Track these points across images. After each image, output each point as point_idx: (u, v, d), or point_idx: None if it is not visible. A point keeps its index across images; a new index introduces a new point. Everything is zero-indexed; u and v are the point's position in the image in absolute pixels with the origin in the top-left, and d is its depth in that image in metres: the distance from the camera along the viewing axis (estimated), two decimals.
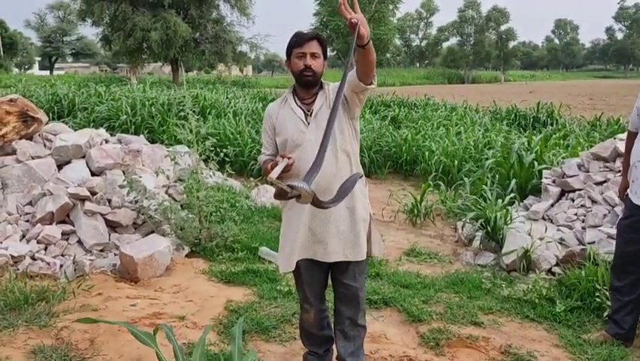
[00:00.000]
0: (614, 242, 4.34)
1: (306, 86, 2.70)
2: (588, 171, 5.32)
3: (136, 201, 5.07)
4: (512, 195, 5.44)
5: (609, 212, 4.78)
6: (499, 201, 5.19)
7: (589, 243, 4.52)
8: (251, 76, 53.12)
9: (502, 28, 65.02)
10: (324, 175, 2.54)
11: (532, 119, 10.39)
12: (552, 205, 5.26)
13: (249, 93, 17.15)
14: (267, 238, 5.34)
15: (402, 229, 5.99)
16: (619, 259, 3.36)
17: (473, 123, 9.72)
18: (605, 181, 5.10)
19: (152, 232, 4.98)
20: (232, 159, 6.96)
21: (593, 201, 4.96)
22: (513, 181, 5.71)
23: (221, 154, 5.31)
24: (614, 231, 4.46)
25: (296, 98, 2.75)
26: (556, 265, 4.50)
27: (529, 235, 4.83)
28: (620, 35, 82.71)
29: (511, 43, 66.21)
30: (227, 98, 13.21)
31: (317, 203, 2.19)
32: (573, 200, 5.16)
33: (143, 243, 4.57)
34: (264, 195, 7.04)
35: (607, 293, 3.66)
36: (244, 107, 12.17)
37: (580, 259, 4.34)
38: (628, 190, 3.26)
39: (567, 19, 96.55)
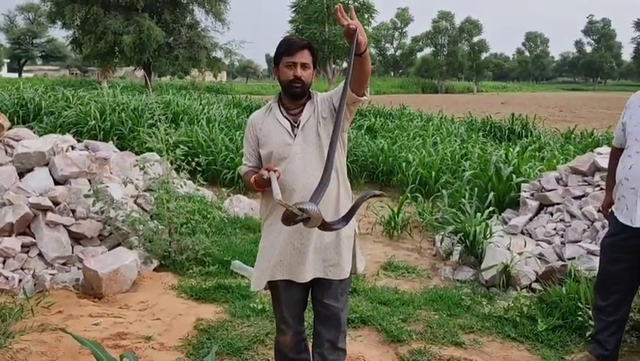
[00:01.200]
0: (594, 258, 4.31)
1: (294, 97, 2.55)
2: (567, 185, 5.28)
3: (102, 212, 4.83)
4: (491, 208, 5.36)
5: (588, 227, 4.72)
6: (478, 214, 5.09)
7: (569, 259, 4.46)
8: (225, 82, 52.76)
9: (475, 39, 65.97)
10: (311, 191, 2.40)
11: (507, 131, 10.43)
12: (531, 219, 5.19)
13: (223, 99, 16.91)
14: (240, 250, 5.15)
15: (379, 242, 5.86)
16: (603, 278, 3.27)
17: (449, 134, 9.69)
18: (583, 195, 5.05)
19: (119, 244, 4.74)
20: (204, 167, 6.74)
21: (572, 216, 4.91)
22: (491, 194, 5.63)
23: (193, 163, 5.11)
24: (594, 247, 4.42)
25: (282, 108, 2.59)
26: (536, 281, 4.42)
27: (509, 249, 4.74)
28: (589, 49, 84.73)
29: (484, 55, 67.20)
30: (200, 104, 12.94)
31: (325, 226, 2.07)
32: (552, 214, 5.10)
33: (108, 256, 4.34)
34: (237, 205, 6.85)
35: (589, 312, 3.58)
36: (218, 113, 11.94)
37: (560, 275, 4.26)
38: (613, 207, 3.17)
39: (537, 32, 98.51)
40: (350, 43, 2.16)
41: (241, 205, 6.86)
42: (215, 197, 6.68)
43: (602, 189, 5.02)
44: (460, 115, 13.21)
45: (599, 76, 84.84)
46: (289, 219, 1.97)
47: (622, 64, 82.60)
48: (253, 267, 4.49)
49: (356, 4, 37.95)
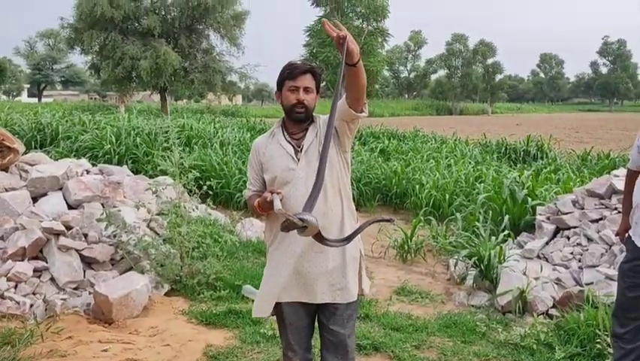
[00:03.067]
0: (612, 283, 4.20)
1: (298, 121, 2.54)
2: (583, 208, 5.18)
3: (114, 236, 4.83)
4: (506, 232, 5.27)
5: (606, 251, 4.62)
6: (493, 238, 5.01)
7: (587, 284, 4.35)
8: (240, 105, 53.26)
9: (489, 61, 65.93)
10: (317, 211, 2.37)
11: (522, 153, 10.33)
12: (547, 243, 5.09)
13: (237, 123, 17.02)
14: (252, 275, 5.11)
15: (392, 266, 5.78)
16: (621, 305, 3.17)
17: (463, 156, 9.62)
18: (601, 219, 4.95)
19: (131, 268, 4.73)
20: (217, 190, 6.77)
21: (589, 240, 4.81)
22: (506, 217, 5.55)
23: (204, 187, 5.11)
24: (612, 271, 4.31)
25: (285, 133, 2.59)
26: (553, 306, 4.32)
27: (525, 274, 4.65)
28: (604, 70, 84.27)
29: (498, 76, 67.09)
30: (214, 127, 13.03)
31: (320, 238, 2.12)
32: (568, 238, 5.00)
33: (119, 281, 4.32)
34: (250, 228, 6.83)
35: (608, 339, 3.48)
36: (232, 136, 12.00)
37: (578, 301, 4.15)
38: (630, 232, 3.09)
39: (552, 54, 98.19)
40: (341, 52, 2.15)
41: (253, 229, 6.84)
42: (227, 220, 6.67)
43: (619, 212, 4.92)
44: (474, 137, 13.13)
45: (615, 97, 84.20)
46: (288, 227, 2.05)
47: (638, 84, 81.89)
48: None
49: (370, 27, 38.45)
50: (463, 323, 4.18)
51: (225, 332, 3.94)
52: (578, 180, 7.32)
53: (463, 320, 4.25)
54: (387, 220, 2.32)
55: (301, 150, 2.50)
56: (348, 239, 2.17)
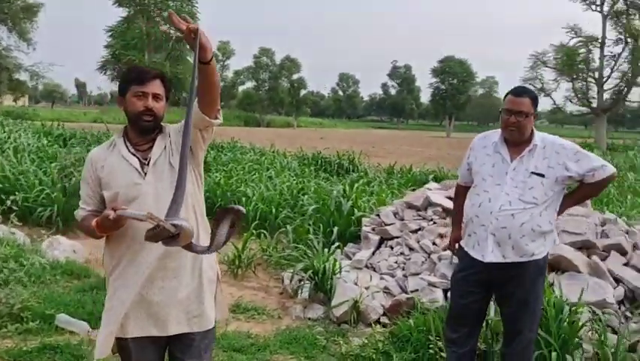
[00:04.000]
0: (435, 290, 4.54)
1: (144, 131, 2.28)
2: (403, 219, 5.56)
3: None
4: (337, 243, 5.42)
5: (426, 259, 5.00)
6: (325, 250, 5.10)
7: (412, 291, 4.64)
8: (27, 106, 47.83)
9: (294, 77, 68.88)
10: None
11: (336, 166, 10.87)
12: (373, 253, 5.35)
13: (30, 127, 15.15)
14: (65, 301, 4.49)
15: (223, 282, 5.46)
16: (454, 312, 3.41)
17: (283, 168, 9.78)
18: (419, 229, 5.36)
19: None
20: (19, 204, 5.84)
21: (411, 249, 5.16)
22: (335, 229, 5.71)
23: (8, 201, 4.36)
24: (433, 278, 4.67)
25: (128, 144, 2.30)
26: (384, 314, 4.53)
27: (356, 284, 4.81)
28: (393, 91, 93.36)
29: (302, 92, 70.39)
30: (4, 131, 11.39)
31: (191, 247, 1.93)
32: (392, 247, 5.32)
33: None
34: (57, 247, 6.03)
35: (439, 344, 3.72)
36: (26, 142, 10.60)
37: (407, 307, 4.41)
38: (462, 243, 3.33)
39: (349, 74, 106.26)
40: (192, 48, 1.97)
41: (61, 248, 6.04)
42: (29, 239, 5.81)
43: (435, 223, 5.40)
44: (290, 149, 13.45)
45: (401, 116, 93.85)
46: (157, 236, 1.81)
47: (421, 105, 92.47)
48: (82, 320, 3.94)
49: (178, 34, 37.39)
50: (303, 338, 4.16)
51: None
52: (389, 191, 7.88)
53: (303, 334, 4.23)
54: (237, 211, 2.06)
55: (148, 162, 2.25)
56: (218, 245, 1.94)
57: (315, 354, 3.92)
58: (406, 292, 4.66)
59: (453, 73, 62.69)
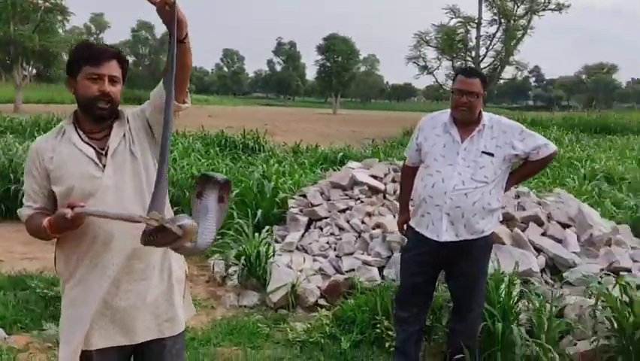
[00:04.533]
0: (371, 269, 4.58)
1: (100, 118, 2.03)
2: (330, 199, 5.53)
3: None
4: (267, 227, 5.26)
5: (357, 238, 5.01)
6: (256, 234, 4.94)
7: (347, 271, 4.64)
8: None
9: None
10: (133, 234, 1.93)
11: (241, 145, 10.58)
12: (303, 235, 5.27)
13: None
14: None
15: None
16: (405, 291, 3.44)
17: (186, 149, 9.34)
18: (347, 208, 5.36)
19: None
20: None
21: (341, 229, 5.15)
22: (259, 212, 5.55)
23: None
24: (367, 257, 4.69)
25: (80, 132, 2.03)
26: (322, 297, 4.49)
27: (290, 267, 4.72)
28: (279, 68, 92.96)
29: None
30: None
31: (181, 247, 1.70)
32: (322, 228, 5.27)
33: None
34: None
35: (385, 323, 3.75)
36: None
37: (344, 288, 4.40)
38: (412, 223, 3.35)
39: (234, 50, 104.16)
40: (168, 24, 1.77)
41: None
42: None
43: (362, 202, 5.42)
44: (179, 128, 12.78)
45: (288, 92, 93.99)
46: (161, 240, 1.59)
47: (306, 82, 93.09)
48: None
49: (47, 4, 34.25)
50: (243, 327, 4.02)
51: None
52: (301, 171, 7.80)
53: (242, 323, 4.08)
54: (225, 182, 1.84)
55: (106, 152, 2.00)
56: (210, 235, 1.75)
57: (260, 343, 3.79)
58: (341, 273, 4.65)
59: (337, 51, 63.58)
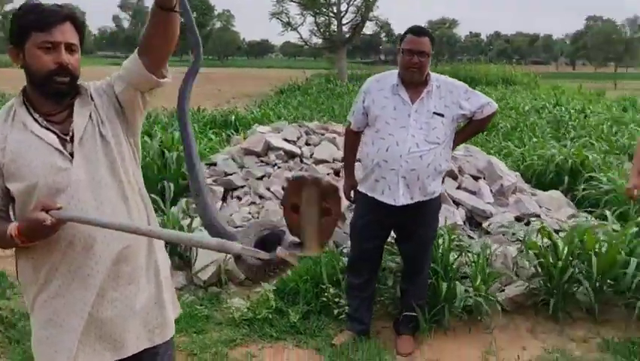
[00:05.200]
0: None
1: (58, 95, 1.67)
2: (244, 167, 5.27)
3: None
4: (183, 200, 4.88)
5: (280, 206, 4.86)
6: (173, 208, 4.57)
7: None
8: None
9: (8, 7, 59.01)
10: (118, 236, 1.68)
11: None
12: (220, 207, 4.99)
13: None
14: None
15: None
16: (357, 257, 3.40)
17: None
18: (265, 175, 5.15)
19: None
20: None
21: (261, 197, 4.95)
22: (171, 185, 5.13)
23: None
24: None
25: (35, 115, 1.66)
26: None
27: None
28: (126, 24, 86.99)
29: None
30: None
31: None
32: (240, 198, 5.02)
33: None
34: None
35: (331, 290, 3.68)
36: None
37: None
38: (362, 189, 3.27)
39: (74, 5, 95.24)
40: None
41: None
42: None
43: (279, 167, 5.25)
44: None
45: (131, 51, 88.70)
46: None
47: None
48: None
49: None
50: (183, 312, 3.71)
51: None
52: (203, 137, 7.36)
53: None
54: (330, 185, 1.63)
55: (72, 138, 1.67)
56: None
57: (205, 328, 3.54)
58: None
59: (192, 6, 60.77)
